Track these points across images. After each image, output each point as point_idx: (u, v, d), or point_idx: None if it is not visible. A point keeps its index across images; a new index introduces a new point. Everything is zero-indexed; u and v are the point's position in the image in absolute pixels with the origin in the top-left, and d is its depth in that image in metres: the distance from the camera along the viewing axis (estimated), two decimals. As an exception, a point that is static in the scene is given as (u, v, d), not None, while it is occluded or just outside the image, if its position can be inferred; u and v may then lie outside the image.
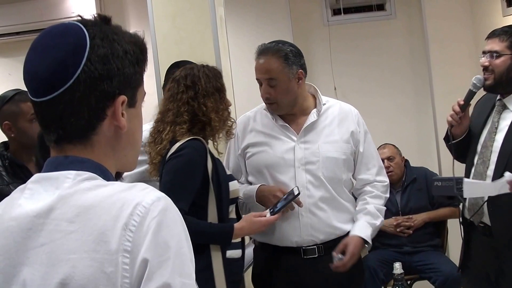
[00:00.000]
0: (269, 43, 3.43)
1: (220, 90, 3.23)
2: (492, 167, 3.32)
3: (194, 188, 3.02)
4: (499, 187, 3.11)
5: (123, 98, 1.45)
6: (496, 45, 3.41)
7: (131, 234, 1.31)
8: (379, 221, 3.49)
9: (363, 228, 3.42)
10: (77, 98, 1.40)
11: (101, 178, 1.42)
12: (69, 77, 1.39)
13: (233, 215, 3.22)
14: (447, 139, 3.59)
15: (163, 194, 1.38)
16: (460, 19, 6.89)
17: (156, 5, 4.67)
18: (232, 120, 3.30)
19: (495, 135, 3.38)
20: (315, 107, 3.48)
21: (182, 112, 3.14)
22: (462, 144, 3.53)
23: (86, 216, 1.34)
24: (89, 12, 6.70)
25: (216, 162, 3.12)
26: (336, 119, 3.45)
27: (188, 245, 1.36)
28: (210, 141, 3.22)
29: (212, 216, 3.04)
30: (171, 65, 4.07)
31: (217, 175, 3.08)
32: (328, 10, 7.31)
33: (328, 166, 3.37)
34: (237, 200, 3.27)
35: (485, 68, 3.42)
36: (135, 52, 1.48)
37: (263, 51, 3.36)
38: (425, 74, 6.74)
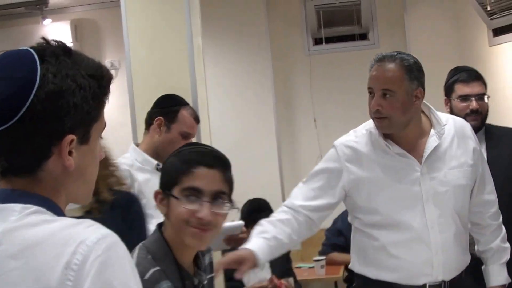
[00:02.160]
0: (390, 52, 3.07)
1: None
2: None
3: None
4: None
5: (71, 137, 1.41)
6: (481, 88, 3.66)
7: (73, 273, 1.29)
8: (506, 258, 3.26)
9: (499, 273, 3.25)
10: (21, 135, 1.37)
11: (49, 213, 1.41)
12: (13, 115, 1.36)
13: None
14: None
15: (109, 232, 1.35)
16: (445, 49, 7.04)
17: (132, 33, 4.72)
18: None
19: None
20: (431, 127, 3.11)
21: None
22: None
23: (29, 253, 1.32)
24: (64, 41, 6.78)
25: None
26: (455, 138, 3.12)
27: (136, 286, 1.34)
28: None
29: None
30: (164, 94, 4.04)
31: None
32: (309, 39, 7.45)
33: (458, 196, 3.09)
34: None
35: (475, 111, 3.60)
36: (92, 86, 1.43)
37: (384, 58, 2.99)
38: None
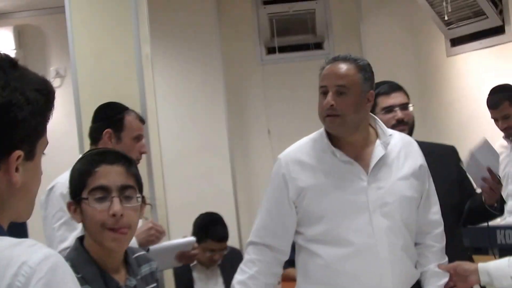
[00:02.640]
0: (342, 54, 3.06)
1: None
2: None
3: None
4: None
5: (18, 153, 1.41)
6: (404, 98, 3.66)
7: None
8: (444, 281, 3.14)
9: None
10: None
11: None
12: None
13: None
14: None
15: (53, 252, 1.34)
16: (403, 59, 7.04)
17: (78, 42, 4.61)
18: None
19: None
20: (377, 138, 3.08)
21: None
22: None
23: None
24: (6, 48, 6.66)
25: None
26: (402, 151, 3.09)
27: None
28: None
29: None
30: (102, 104, 3.97)
31: None
32: (262, 48, 7.35)
33: (405, 207, 3.04)
34: None
35: (400, 121, 3.58)
36: (40, 101, 1.43)
37: (338, 58, 2.99)
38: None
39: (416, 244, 3.12)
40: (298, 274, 3.14)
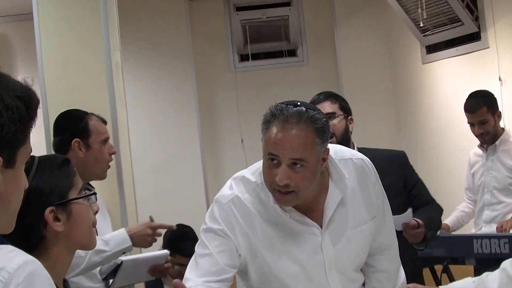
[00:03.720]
0: (297, 103, 2.54)
1: None
2: None
3: None
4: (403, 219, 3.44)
5: None
6: (330, 107, 3.67)
7: None
8: None
9: None
10: None
11: None
12: None
13: None
14: None
15: (31, 258, 1.36)
16: (377, 66, 7.10)
17: (46, 49, 4.56)
18: None
19: None
20: (329, 177, 2.69)
21: None
22: None
23: None
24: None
25: None
26: (356, 183, 2.73)
27: None
28: None
29: None
30: (60, 114, 3.97)
31: None
32: (235, 55, 7.38)
33: (359, 254, 2.79)
34: None
35: None
36: (19, 108, 1.44)
37: (289, 117, 2.47)
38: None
39: (368, 265, 2.88)
40: None
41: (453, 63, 6.23)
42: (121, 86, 4.88)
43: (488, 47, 5.87)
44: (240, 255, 2.61)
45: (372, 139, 6.74)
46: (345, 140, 3.64)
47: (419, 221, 3.50)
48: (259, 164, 2.62)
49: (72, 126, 3.71)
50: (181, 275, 4.67)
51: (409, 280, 2.95)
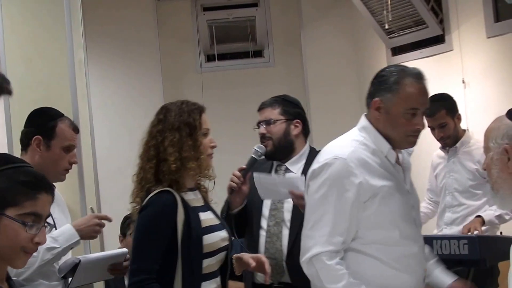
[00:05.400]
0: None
1: (190, 125, 3.17)
2: (287, 228, 3.61)
3: (160, 245, 3.01)
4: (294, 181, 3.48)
5: None
6: (269, 113, 3.77)
7: None
8: None
9: None
10: None
11: None
12: None
13: (211, 268, 3.15)
14: (226, 208, 3.74)
15: None
16: (344, 68, 7.16)
17: (9, 47, 4.51)
18: (207, 163, 3.18)
19: None
20: None
21: (150, 147, 3.23)
22: (241, 214, 3.73)
23: None
24: None
25: (190, 215, 3.08)
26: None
27: None
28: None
29: (178, 273, 3.04)
30: (37, 109, 3.92)
31: (189, 228, 3.05)
32: (201, 55, 7.39)
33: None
34: (219, 253, 3.22)
35: (263, 136, 3.74)
36: None
37: (420, 72, 3.12)
38: (305, 125, 6.89)
39: None
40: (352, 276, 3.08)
41: (418, 65, 6.04)
42: (84, 83, 4.88)
43: (452, 50, 5.96)
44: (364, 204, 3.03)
45: (335, 136, 6.81)
46: (285, 144, 3.74)
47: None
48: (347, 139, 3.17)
49: (40, 123, 3.65)
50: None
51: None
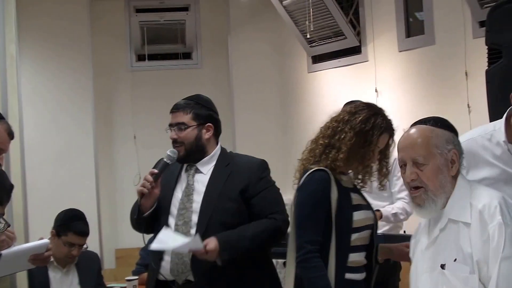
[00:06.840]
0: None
1: (366, 137, 3.25)
2: (194, 228, 3.59)
3: (320, 218, 3.19)
4: (191, 245, 3.43)
5: None
6: (181, 117, 3.69)
7: None
8: None
9: None
10: None
11: None
12: None
13: (357, 242, 3.30)
14: (135, 212, 3.70)
15: None
16: (267, 73, 7.39)
17: None
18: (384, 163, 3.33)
19: (193, 196, 3.66)
20: None
21: (329, 128, 3.33)
22: (151, 215, 3.74)
23: None
24: None
25: (342, 193, 3.25)
26: None
27: None
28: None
29: (332, 245, 3.23)
30: None
31: (341, 204, 3.22)
32: (132, 55, 7.54)
33: None
34: (365, 230, 3.34)
35: (175, 141, 3.67)
36: None
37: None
38: (228, 125, 7.14)
39: None
40: None
41: (336, 73, 6.57)
42: (15, 78, 4.83)
43: (367, 61, 6.24)
44: None
45: (260, 139, 7.03)
46: (197, 148, 3.70)
47: (212, 246, 3.48)
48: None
49: None
50: (70, 256, 4.74)
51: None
